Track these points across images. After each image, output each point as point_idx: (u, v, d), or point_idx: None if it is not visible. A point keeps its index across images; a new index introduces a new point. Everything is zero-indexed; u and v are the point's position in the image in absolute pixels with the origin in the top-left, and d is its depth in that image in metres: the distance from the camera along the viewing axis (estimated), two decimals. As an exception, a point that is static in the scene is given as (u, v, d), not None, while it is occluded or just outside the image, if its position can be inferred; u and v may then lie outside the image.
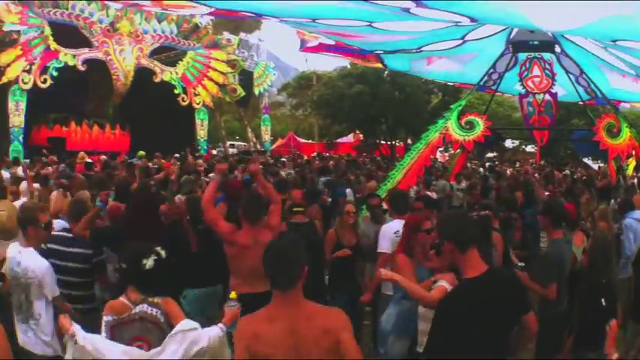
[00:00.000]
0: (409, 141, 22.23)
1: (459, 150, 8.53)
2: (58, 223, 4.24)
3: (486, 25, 6.78)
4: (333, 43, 8.56)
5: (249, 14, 6.28)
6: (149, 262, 2.71)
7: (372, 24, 6.32)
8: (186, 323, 2.60)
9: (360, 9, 5.28)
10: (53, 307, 3.39)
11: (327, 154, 22.62)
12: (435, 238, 3.05)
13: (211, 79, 21.37)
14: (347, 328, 2.30)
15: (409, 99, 22.13)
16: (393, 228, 4.47)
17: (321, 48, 8.93)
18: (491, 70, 8.17)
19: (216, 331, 2.66)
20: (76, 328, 2.57)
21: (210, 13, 7.63)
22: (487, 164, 19.42)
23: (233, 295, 2.88)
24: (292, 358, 2.21)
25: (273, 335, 2.22)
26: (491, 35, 7.38)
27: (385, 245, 4.43)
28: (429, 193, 8.41)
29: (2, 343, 2.41)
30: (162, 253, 2.80)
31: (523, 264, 4.98)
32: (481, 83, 8.40)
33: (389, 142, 25.68)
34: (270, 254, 2.30)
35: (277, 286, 2.27)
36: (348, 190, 8.68)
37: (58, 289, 3.44)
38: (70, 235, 4.12)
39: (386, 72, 24.19)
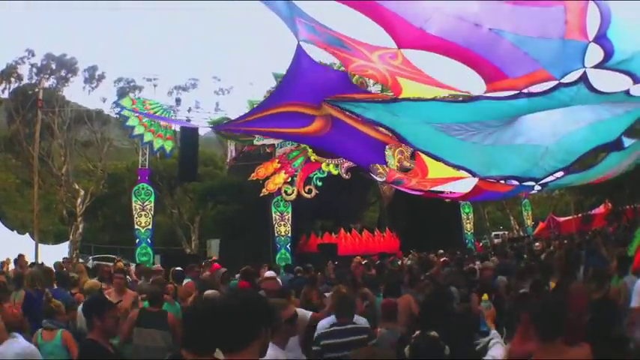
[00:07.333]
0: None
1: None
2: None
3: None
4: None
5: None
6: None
7: None
8: None
9: None
10: None
11: (585, 228, 23.63)
12: None
13: (472, 172, 20.49)
14: None
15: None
16: None
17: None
18: None
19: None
20: None
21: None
22: None
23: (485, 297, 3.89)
24: None
25: None
26: None
27: (635, 299, 4.82)
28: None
29: None
30: None
31: None
32: None
33: (632, 206, 24.71)
34: (540, 307, 2.99)
35: (543, 336, 2.77)
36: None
37: None
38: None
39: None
